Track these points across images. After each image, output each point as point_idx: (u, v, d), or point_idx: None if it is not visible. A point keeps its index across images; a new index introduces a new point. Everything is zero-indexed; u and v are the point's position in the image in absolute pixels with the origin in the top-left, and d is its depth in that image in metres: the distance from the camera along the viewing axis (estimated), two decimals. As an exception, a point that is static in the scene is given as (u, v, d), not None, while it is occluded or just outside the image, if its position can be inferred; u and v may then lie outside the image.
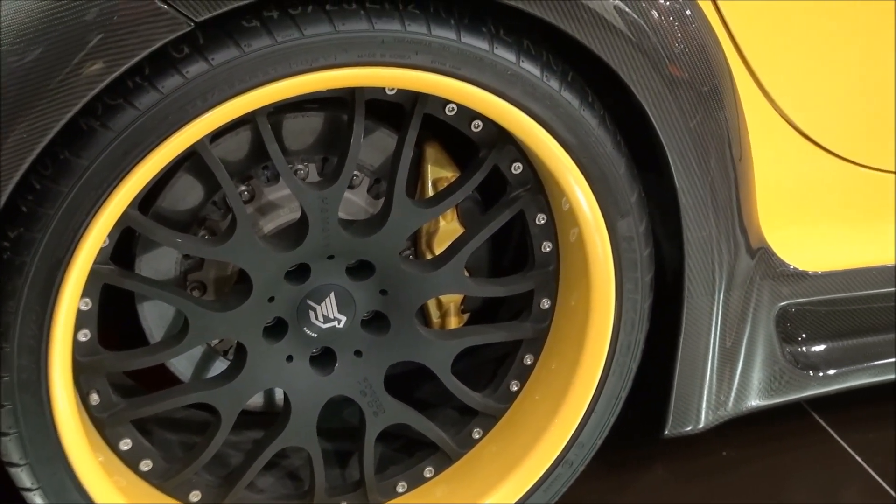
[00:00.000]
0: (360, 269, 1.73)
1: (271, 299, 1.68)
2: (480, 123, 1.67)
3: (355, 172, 1.78)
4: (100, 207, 1.45)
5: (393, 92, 1.60)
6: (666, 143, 1.72)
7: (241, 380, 1.71)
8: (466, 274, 1.80)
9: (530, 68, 1.59)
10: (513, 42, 1.58)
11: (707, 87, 1.73)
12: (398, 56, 1.51)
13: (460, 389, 1.85)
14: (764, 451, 2.29)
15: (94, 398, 1.64)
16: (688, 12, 1.70)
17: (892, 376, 2.24)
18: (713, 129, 1.75)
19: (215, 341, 1.84)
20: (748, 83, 1.86)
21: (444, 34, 1.52)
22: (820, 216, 2.07)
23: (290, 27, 1.45)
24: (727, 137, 1.78)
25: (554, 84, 1.61)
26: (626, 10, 1.62)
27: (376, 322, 1.79)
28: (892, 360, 2.23)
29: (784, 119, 1.92)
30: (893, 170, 2.08)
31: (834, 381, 2.17)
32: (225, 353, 1.86)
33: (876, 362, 2.22)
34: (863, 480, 2.23)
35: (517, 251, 1.93)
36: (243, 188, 1.73)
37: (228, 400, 1.71)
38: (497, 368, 1.92)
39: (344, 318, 1.74)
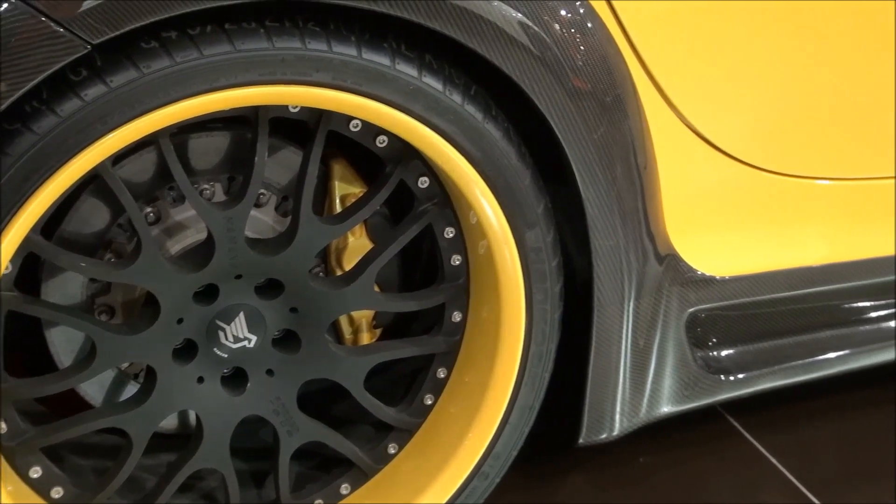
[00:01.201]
0: (270, 288, 1.72)
1: (180, 321, 1.67)
2: (385, 139, 1.67)
3: (262, 191, 1.77)
4: (0, 234, 1.43)
5: (296, 110, 1.60)
6: (571, 155, 1.73)
7: (152, 403, 1.69)
8: (377, 289, 1.81)
9: (432, 83, 1.59)
10: (414, 57, 1.58)
11: (610, 97, 1.74)
12: (299, 74, 1.51)
13: (373, 405, 1.84)
14: (680, 456, 2.31)
15: (2, 427, 1.61)
16: (589, 24, 1.71)
17: (802, 378, 2.27)
18: (617, 138, 1.77)
19: (125, 365, 1.82)
20: (650, 92, 1.87)
21: (345, 51, 1.52)
22: (726, 221, 2.08)
23: (189, 47, 1.44)
24: (632, 146, 1.80)
25: (457, 98, 1.62)
26: (529, 23, 1.63)
27: (287, 340, 1.78)
28: (802, 361, 2.26)
29: (687, 126, 1.94)
30: (797, 174, 2.11)
31: (746, 385, 2.19)
32: (136, 377, 1.84)
33: (787, 364, 2.24)
34: (779, 482, 2.26)
35: (427, 265, 1.93)
36: (149, 210, 1.71)
37: (139, 423, 1.69)
38: (411, 383, 1.92)
39: (254, 338, 1.73)
